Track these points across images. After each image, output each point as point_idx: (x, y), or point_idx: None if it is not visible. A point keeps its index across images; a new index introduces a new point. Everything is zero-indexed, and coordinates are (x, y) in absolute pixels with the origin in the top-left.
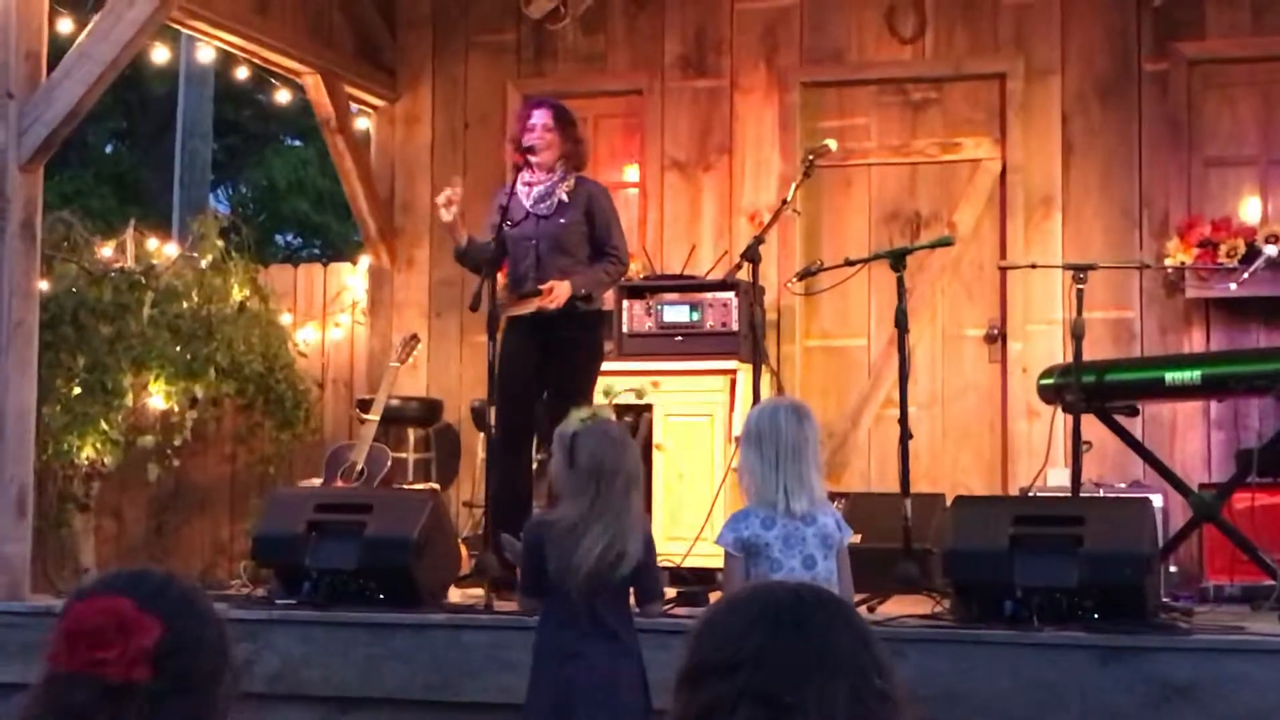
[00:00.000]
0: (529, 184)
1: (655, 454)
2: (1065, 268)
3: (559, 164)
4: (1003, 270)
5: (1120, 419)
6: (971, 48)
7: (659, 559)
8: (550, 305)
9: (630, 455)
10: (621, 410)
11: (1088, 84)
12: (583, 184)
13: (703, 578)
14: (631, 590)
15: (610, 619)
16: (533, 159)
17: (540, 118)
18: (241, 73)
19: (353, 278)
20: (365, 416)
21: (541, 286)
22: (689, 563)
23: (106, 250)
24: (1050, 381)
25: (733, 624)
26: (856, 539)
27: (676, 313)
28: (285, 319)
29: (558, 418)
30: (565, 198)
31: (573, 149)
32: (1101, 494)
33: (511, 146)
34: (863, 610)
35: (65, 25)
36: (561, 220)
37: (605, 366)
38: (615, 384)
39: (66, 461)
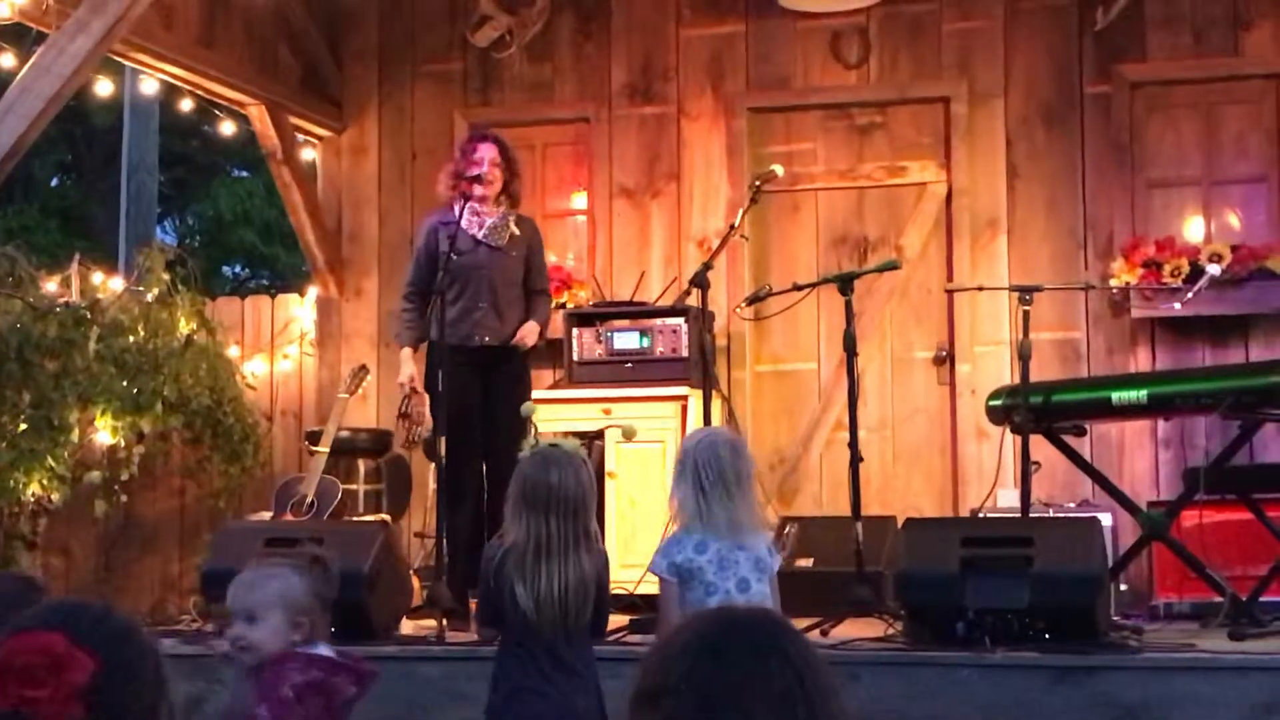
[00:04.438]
0: (479, 214)
1: (608, 481)
2: (1011, 289)
3: (501, 197)
4: (950, 293)
5: (1068, 439)
6: (916, 72)
7: (613, 586)
8: (528, 344)
9: (571, 479)
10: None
11: (1031, 107)
12: (524, 220)
13: (656, 605)
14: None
15: (569, 652)
16: (479, 190)
17: (488, 152)
18: (186, 104)
19: (300, 309)
20: (315, 448)
21: (520, 335)
22: (642, 589)
23: (51, 285)
24: (998, 403)
25: (665, 652)
26: (808, 563)
27: (626, 339)
28: (233, 351)
29: (498, 449)
30: (517, 231)
31: (514, 183)
32: (1051, 514)
33: (456, 178)
34: (815, 634)
35: (7, 60)
36: (514, 254)
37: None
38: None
39: (13, 499)
